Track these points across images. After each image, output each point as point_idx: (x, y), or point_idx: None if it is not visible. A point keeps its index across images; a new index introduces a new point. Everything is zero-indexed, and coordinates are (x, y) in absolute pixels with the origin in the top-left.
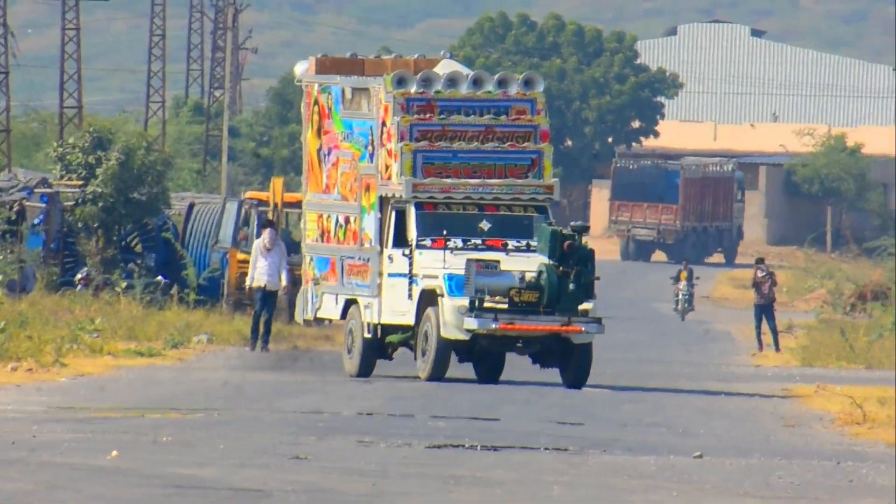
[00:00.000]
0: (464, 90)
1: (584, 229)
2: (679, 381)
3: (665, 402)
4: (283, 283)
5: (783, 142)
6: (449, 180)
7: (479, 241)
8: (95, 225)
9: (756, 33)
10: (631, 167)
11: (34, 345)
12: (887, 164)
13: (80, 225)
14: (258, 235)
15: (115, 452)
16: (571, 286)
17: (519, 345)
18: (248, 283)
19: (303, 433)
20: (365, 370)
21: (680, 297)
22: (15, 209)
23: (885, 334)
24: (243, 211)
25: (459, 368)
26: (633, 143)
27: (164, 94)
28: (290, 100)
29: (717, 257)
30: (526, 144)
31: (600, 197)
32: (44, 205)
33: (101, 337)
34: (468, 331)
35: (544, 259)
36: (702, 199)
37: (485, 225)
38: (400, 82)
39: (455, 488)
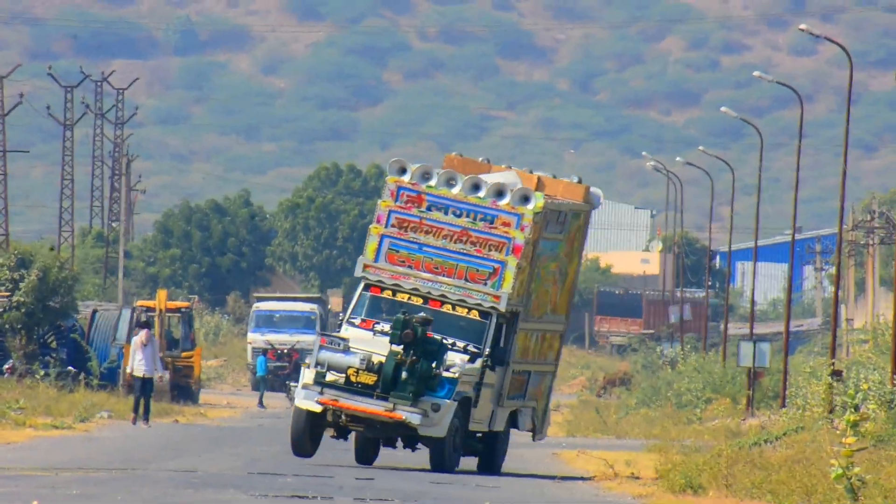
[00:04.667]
0: (456, 191)
1: (427, 322)
2: None
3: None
4: (159, 373)
5: None
6: (401, 269)
7: None
8: (19, 326)
9: None
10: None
11: None
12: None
13: (7, 326)
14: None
15: (35, 503)
16: (404, 374)
17: (360, 428)
18: (127, 371)
19: (181, 487)
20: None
21: None
22: None
23: (630, 412)
24: (135, 315)
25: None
26: None
27: (72, 225)
28: (171, 229)
29: None
30: (492, 253)
31: None
32: None
33: (24, 413)
34: (297, 404)
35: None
36: None
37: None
38: (401, 171)
39: None
